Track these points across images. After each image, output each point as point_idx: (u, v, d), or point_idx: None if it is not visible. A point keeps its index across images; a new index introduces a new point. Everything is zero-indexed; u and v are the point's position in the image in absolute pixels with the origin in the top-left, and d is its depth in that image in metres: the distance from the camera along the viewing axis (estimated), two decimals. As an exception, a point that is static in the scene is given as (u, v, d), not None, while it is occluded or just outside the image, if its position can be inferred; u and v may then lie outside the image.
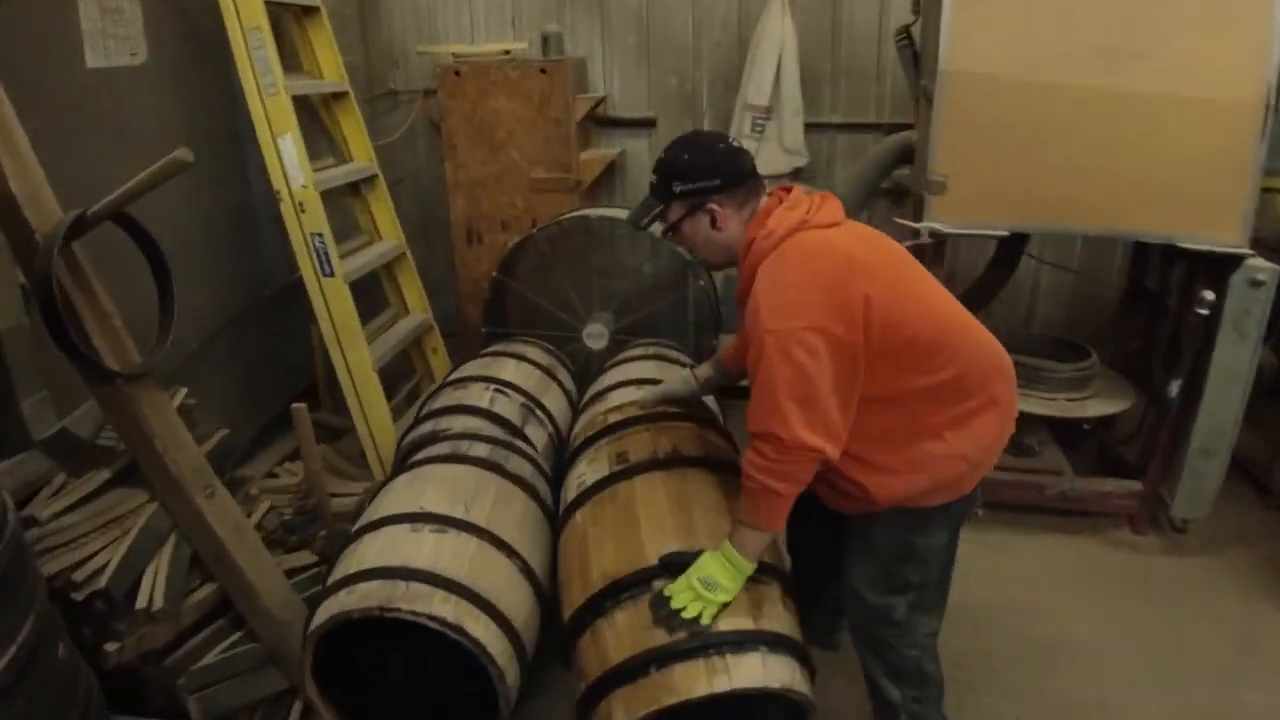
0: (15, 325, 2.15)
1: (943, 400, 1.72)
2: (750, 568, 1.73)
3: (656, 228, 1.91)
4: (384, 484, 2.40)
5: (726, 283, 3.64)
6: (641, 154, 4.42)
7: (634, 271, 3.53)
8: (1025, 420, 2.99)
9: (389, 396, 3.53)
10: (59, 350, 1.77)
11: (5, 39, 2.23)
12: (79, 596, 1.81)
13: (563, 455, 2.99)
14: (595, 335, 3.63)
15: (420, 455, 2.51)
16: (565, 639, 1.90)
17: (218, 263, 3.20)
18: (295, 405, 2.71)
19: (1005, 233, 2.63)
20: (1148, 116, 2.44)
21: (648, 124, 4.34)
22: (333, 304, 2.95)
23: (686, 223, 1.85)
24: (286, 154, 2.77)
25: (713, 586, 1.70)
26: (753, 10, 3.99)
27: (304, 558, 2.48)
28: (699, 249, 1.91)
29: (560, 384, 3.26)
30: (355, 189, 3.42)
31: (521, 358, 3.24)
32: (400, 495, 2.19)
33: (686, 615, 1.67)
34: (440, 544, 1.97)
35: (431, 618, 1.79)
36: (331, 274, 2.91)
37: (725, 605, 1.70)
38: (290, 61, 3.24)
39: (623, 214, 3.26)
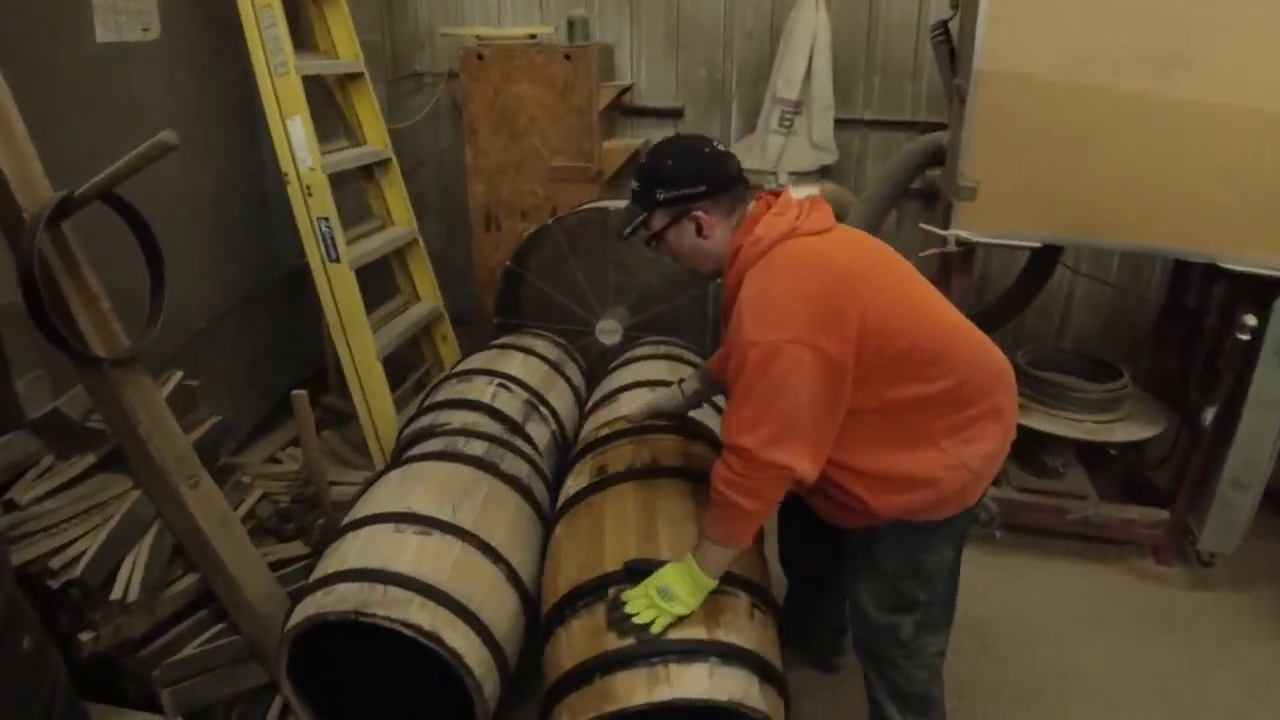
0: (10, 303, 2.12)
1: (940, 409, 1.65)
2: (711, 583, 1.69)
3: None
4: (378, 476, 2.35)
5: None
6: (667, 145, 4.29)
7: (652, 266, 3.43)
8: (1050, 440, 2.88)
9: (399, 384, 3.49)
10: (38, 332, 1.73)
11: (11, 11, 2.20)
12: (55, 584, 1.78)
13: (566, 454, 2.93)
14: (609, 331, 3.54)
15: (415, 450, 2.45)
16: (540, 649, 1.89)
17: (228, 243, 3.17)
18: (295, 392, 2.67)
19: (1036, 244, 2.50)
20: (1195, 127, 2.29)
21: (674, 114, 4.23)
22: (338, 290, 2.90)
23: (671, 231, 1.78)
24: (295, 136, 2.71)
25: (669, 597, 1.66)
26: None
27: (295, 549, 2.44)
28: (685, 258, 1.83)
29: (568, 380, 3.19)
30: (368, 172, 3.36)
31: (529, 351, 3.17)
32: (388, 493, 2.14)
33: (638, 621, 1.65)
34: (423, 547, 1.91)
35: (407, 625, 1.73)
36: (337, 260, 2.86)
37: (681, 618, 1.66)
38: (305, 40, 3.19)
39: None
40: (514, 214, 4.02)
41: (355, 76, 3.21)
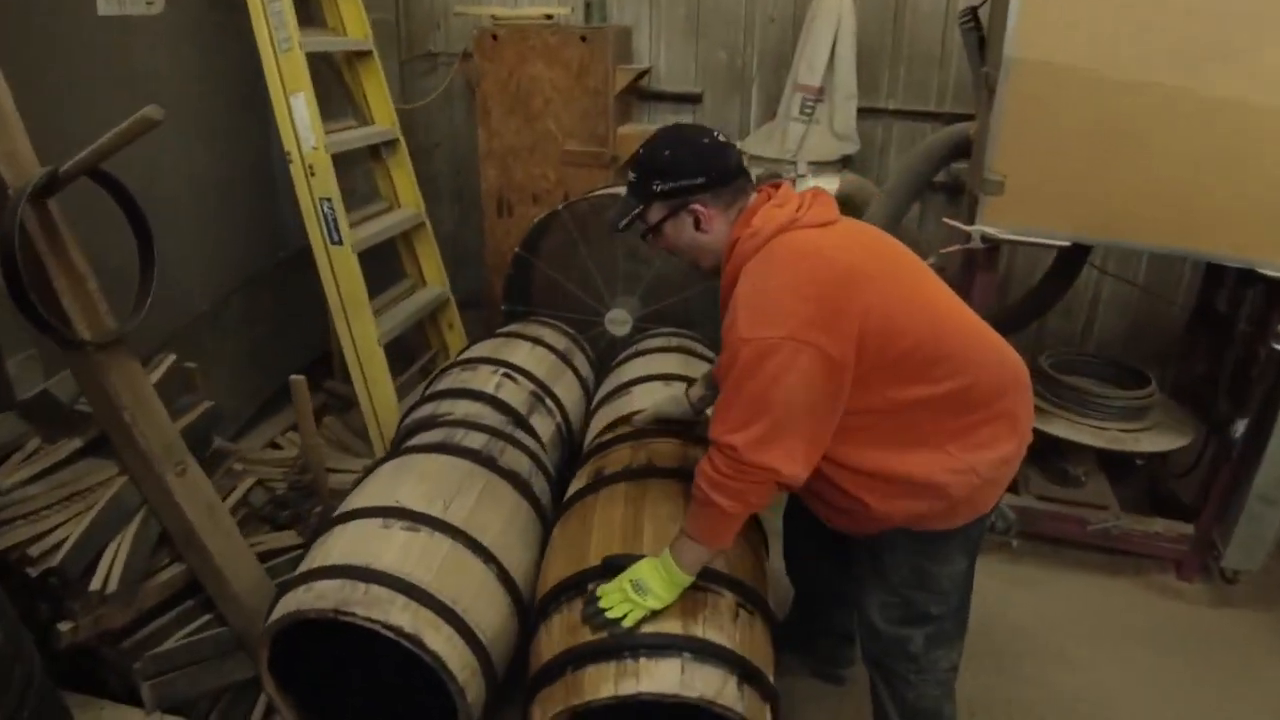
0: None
1: (947, 412, 1.57)
2: (686, 579, 1.66)
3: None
4: (375, 466, 2.29)
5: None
6: (685, 131, 4.19)
7: (664, 255, 3.32)
8: (1072, 448, 2.77)
9: (405, 369, 3.43)
10: (18, 313, 1.67)
11: (8, -19, 2.14)
12: (33, 572, 1.74)
13: (571, 448, 2.86)
14: (618, 321, 3.47)
15: (413, 441, 2.39)
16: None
17: (232, 223, 3.12)
18: (294, 377, 2.61)
19: (1065, 243, 2.38)
20: (1234, 126, 2.16)
21: (693, 99, 4.12)
22: (340, 274, 2.84)
23: (668, 224, 1.70)
24: (298, 114, 2.65)
25: (643, 591, 1.64)
26: (811, -17, 3.73)
27: (288, 538, 2.39)
28: (684, 253, 1.75)
29: (575, 371, 3.11)
30: (376, 153, 3.29)
31: (537, 340, 3.10)
32: (379, 486, 2.08)
33: (611, 615, 1.63)
34: (409, 544, 1.85)
35: (387, 626, 1.67)
36: (339, 242, 2.79)
37: (655, 612, 1.63)
38: (315, 17, 3.11)
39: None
40: (526, 198, 3.94)
41: (364, 54, 3.13)
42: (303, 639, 1.82)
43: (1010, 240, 2.38)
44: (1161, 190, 2.28)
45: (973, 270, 2.59)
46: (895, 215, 2.87)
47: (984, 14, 2.77)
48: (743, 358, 1.48)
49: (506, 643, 1.93)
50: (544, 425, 2.73)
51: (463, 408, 2.60)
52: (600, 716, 1.63)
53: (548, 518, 2.32)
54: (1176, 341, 3.56)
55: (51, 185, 1.74)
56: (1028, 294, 3.21)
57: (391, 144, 3.28)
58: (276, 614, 1.75)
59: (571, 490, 2.21)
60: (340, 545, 1.84)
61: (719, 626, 1.68)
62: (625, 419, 2.51)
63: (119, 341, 1.85)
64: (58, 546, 1.76)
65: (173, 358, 2.25)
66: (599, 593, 1.68)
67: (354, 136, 3.04)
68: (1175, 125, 2.21)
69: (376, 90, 3.20)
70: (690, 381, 2.27)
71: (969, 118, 3.08)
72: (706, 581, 1.73)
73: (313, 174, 2.72)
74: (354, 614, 1.67)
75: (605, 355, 3.34)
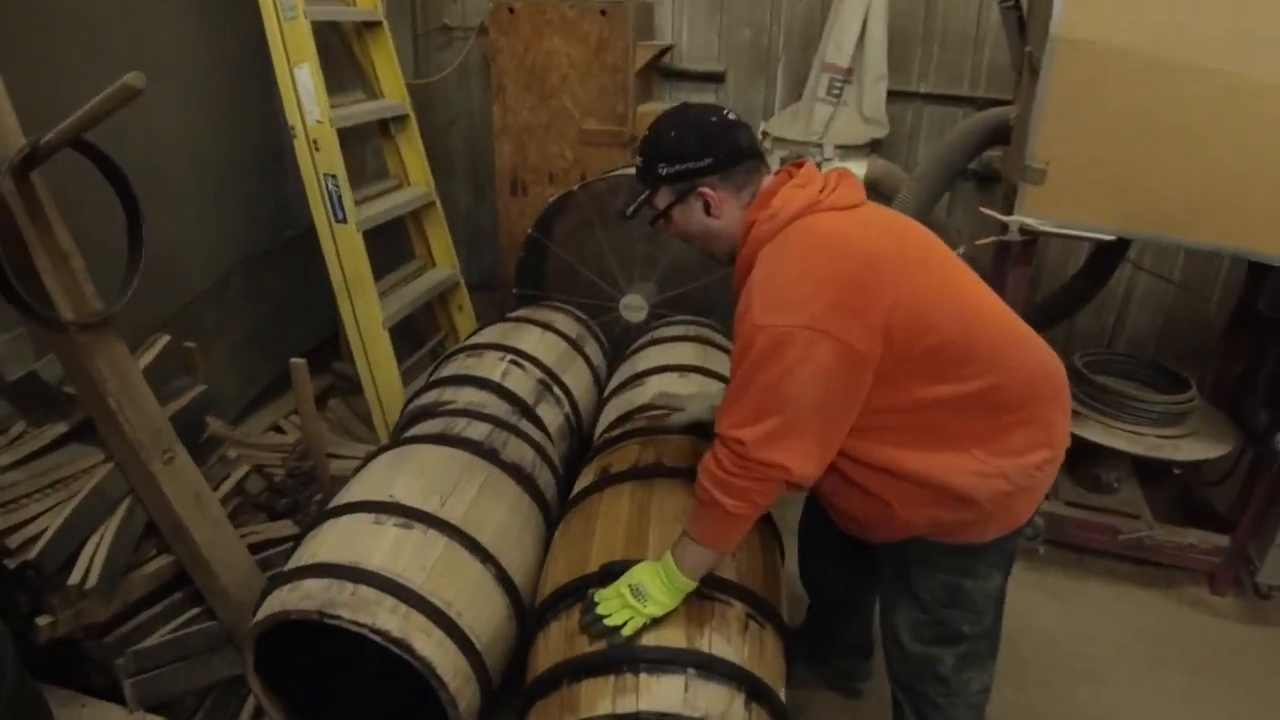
0: (-13, 257, 1.99)
1: (974, 413, 1.45)
2: (689, 584, 1.56)
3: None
4: (373, 456, 2.20)
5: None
6: (707, 112, 4.05)
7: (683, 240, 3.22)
8: (1105, 454, 2.63)
9: (415, 352, 3.34)
10: (-2, 292, 1.59)
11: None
12: (11, 564, 1.66)
13: (579, 440, 2.76)
14: (634, 307, 3.36)
15: (412, 431, 2.30)
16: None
17: (237, 199, 3.03)
18: (294, 360, 2.53)
19: (1109, 237, 2.23)
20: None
21: (715, 79, 3.98)
22: (344, 253, 2.74)
23: (677, 210, 1.59)
24: (303, 85, 2.54)
25: (642, 596, 1.55)
26: (842, -42, 3.56)
27: (285, 528, 2.31)
28: (695, 239, 1.64)
29: (587, 359, 3.01)
30: (385, 129, 3.18)
31: (548, 326, 3.00)
32: (374, 478, 1.99)
33: (610, 623, 1.54)
34: (401, 542, 1.76)
35: (375, 630, 1.58)
36: (344, 220, 2.70)
37: (655, 619, 1.55)
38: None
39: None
40: (541, 178, 3.83)
41: (373, 25, 3.02)
42: (291, 637, 1.74)
43: (1051, 233, 2.24)
44: (1213, 184, 2.12)
45: (1006, 263, 2.45)
46: (927, 203, 2.73)
47: (1027, -8, 2.62)
48: (756, 346, 1.37)
49: (503, 647, 1.84)
50: (551, 416, 2.63)
51: (466, 396, 2.51)
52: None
53: (552, 513, 2.22)
54: (1212, 342, 3.40)
55: (34, 158, 1.65)
56: (1060, 289, 3.06)
57: (401, 119, 3.17)
58: (262, 613, 1.67)
59: (577, 488, 2.11)
60: (329, 542, 1.76)
61: (726, 639, 1.58)
62: (639, 411, 2.40)
63: (105, 323, 1.76)
64: (36, 538, 1.68)
65: (166, 339, 2.16)
66: (596, 598, 1.60)
67: (361, 111, 2.93)
68: (1230, 115, 2.05)
69: (386, 63, 3.08)
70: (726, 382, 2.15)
71: (1004, 103, 2.93)
72: (714, 590, 1.63)
73: (317, 149, 2.62)
74: (340, 616, 1.58)
75: (619, 343, 3.23)
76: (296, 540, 2.20)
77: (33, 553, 1.64)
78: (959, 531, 1.51)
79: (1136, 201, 2.19)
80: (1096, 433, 2.58)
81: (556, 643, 1.64)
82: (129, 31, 2.45)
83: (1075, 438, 2.52)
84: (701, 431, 2.12)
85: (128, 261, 1.79)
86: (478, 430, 2.26)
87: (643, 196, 1.60)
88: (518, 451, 2.27)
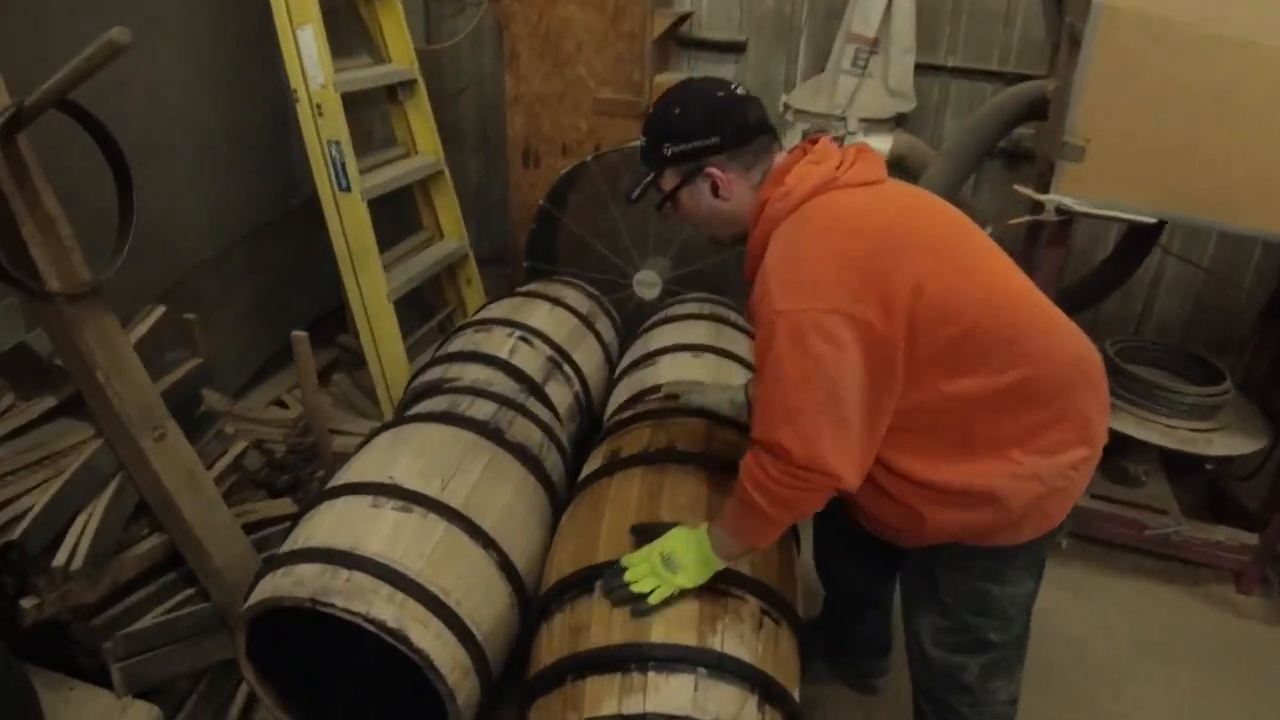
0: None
1: (1005, 409, 1.34)
2: (719, 564, 1.51)
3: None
4: (374, 434, 2.12)
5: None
6: (726, 82, 3.91)
7: (697, 217, 3.11)
8: (1134, 446, 2.53)
9: (421, 326, 3.26)
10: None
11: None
12: (-6, 543, 1.60)
13: (589, 420, 2.68)
14: (647, 283, 3.26)
15: (416, 408, 2.22)
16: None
17: (241, 166, 2.94)
18: (295, 333, 2.46)
19: (1150, 219, 2.11)
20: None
21: (736, 48, 3.84)
22: (348, 223, 2.65)
23: (684, 192, 1.49)
24: (305, 48, 2.43)
25: (673, 566, 1.49)
26: (871, -77, 3.40)
27: (285, 506, 2.24)
28: (703, 223, 1.54)
29: (598, 336, 2.92)
30: (393, 95, 3.07)
31: (558, 301, 2.90)
32: (374, 458, 1.91)
33: (636, 589, 1.48)
34: (400, 526, 1.68)
35: (369, 619, 1.51)
36: (348, 189, 2.60)
37: (681, 591, 1.49)
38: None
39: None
40: (554, 149, 3.71)
41: (382, -13, 2.91)
42: (286, 623, 1.68)
43: (1089, 214, 2.12)
44: (1257, 166, 2.00)
45: (1037, 245, 2.34)
46: (956, 180, 2.60)
47: (1067, -42, 2.47)
48: (779, 334, 1.28)
49: (505, 637, 1.77)
50: (560, 394, 2.55)
51: (472, 373, 2.42)
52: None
53: (559, 496, 2.15)
54: (1242, 330, 3.28)
55: (18, 120, 1.57)
56: (1090, 275, 2.94)
57: (409, 85, 3.05)
58: (254, 599, 1.61)
59: (585, 472, 2.03)
60: (325, 525, 1.69)
61: (740, 637, 1.50)
62: (650, 391, 2.32)
63: (94, 293, 1.68)
64: (21, 517, 1.61)
65: (161, 310, 2.08)
66: (625, 561, 1.53)
67: (367, 76, 2.82)
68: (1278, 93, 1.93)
69: (394, 26, 2.97)
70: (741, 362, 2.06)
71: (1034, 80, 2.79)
72: (728, 584, 1.55)
73: (320, 114, 2.51)
74: (333, 604, 1.52)
75: (632, 320, 3.14)
76: (294, 520, 2.15)
77: (15, 532, 1.57)
78: (991, 534, 1.42)
79: (1178, 181, 2.07)
80: (1128, 425, 2.48)
81: (561, 636, 1.57)
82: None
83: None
84: (715, 415, 2.04)
85: (118, 229, 1.71)
86: (483, 409, 2.18)
87: (648, 179, 1.50)
88: (524, 432, 2.19)
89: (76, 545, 1.64)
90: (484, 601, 1.71)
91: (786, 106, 3.38)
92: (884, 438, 1.35)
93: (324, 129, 2.53)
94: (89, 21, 2.20)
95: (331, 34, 2.55)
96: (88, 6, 2.23)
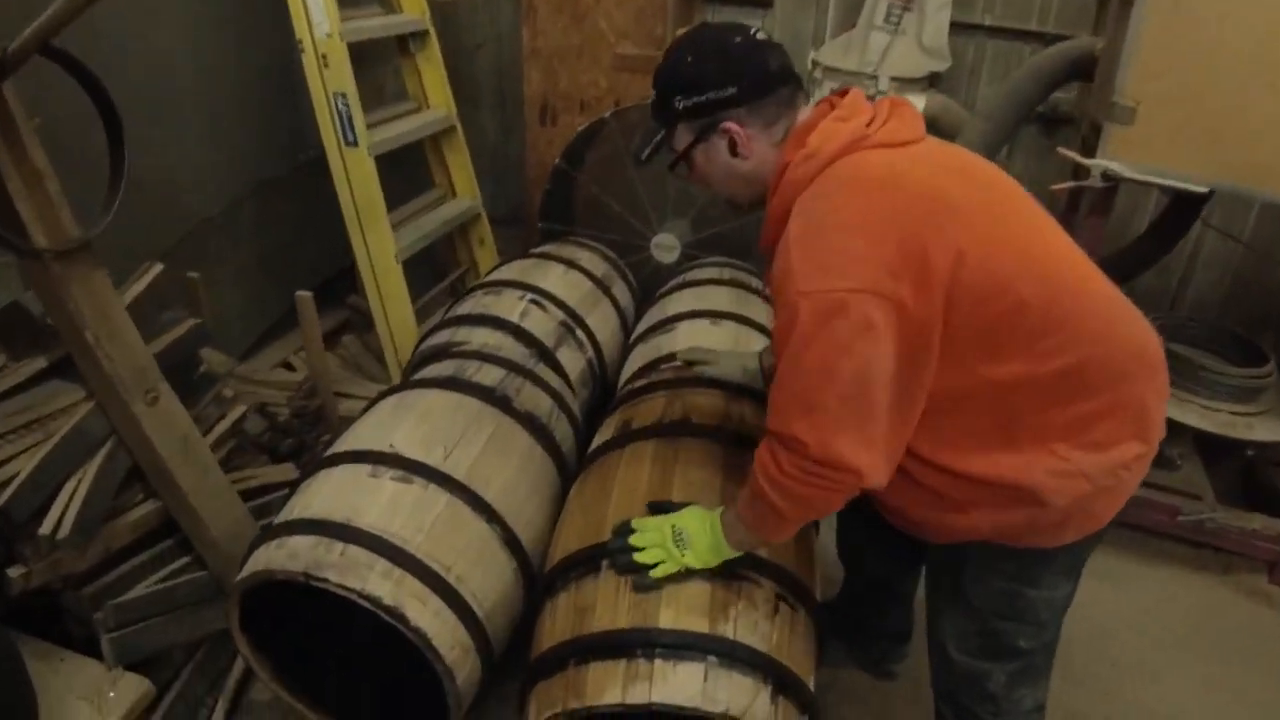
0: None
1: (1051, 397, 1.21)
2: (730, 553, 1.42)
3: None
4: (379, 399, 2.05)
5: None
6: (752, 38, 3.75)
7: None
8: (1170, 427, 2.41)
9: (434, 286, 3.18)
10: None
11: None
12: (-20, 507, 1.55)
13: (602, 388, 2.60)
14: (666, 246, 3.16)
15: (422, 373, 2.15)
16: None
17: (246, 120, 2.84)
18: (299, 293, 2.38)
19: (1202, 189, 1.97)
20: None
21: (763, 2, 3.67)
22: (354, 179, 2.56)
23: (699, 150, 1.36)
24: (311, -5, 2.32)
25: (683, 542, 1.42)
26: None
27: (285, 472, 2.19)
28: (720, 185, 1.41)
29: (614, 300, 2.83)
30: (404, 47, 2.95)
31: (572, 263, 2.81)
32: (375, 425, 1.84)
33: (641, 559, 1.42)
34: (399, 497, 1.61)
35: (363, 595, 1.45)
36: (354, 143, 2.50)
37: (688, 570, 1.42)
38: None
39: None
40: (572, 106, 3.58)
41: (393, -68, 2.78)
42: (281, 594, 1.62)
43: (1138, 179, 1.98)
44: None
45: (1077, 212, 2.21)
46: (995, 143, 2.45)
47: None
48: (802, 318, 1.15)
49: (508, 614, 1.71)
50: (572, 360, 2.47)
51: (480, 337, 2.34)
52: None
53: (569, 467, 2.07)
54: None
55: (1, 68, 1.48)
56: (1130, 245, 2.80)
57: (421, 36, 2.93)
58: (246, 570, 1.55)
59: (596, 443, 1.95)
60: (321, 495, 1.62)
61: (753, 624, 1.43)
62: (666, 359, 2.23)
63: (83, 250, 1.61)
64: (7, 483, 1.56)
65: (159, 268, 2.00)
66: (636, 524, 1.47)
67: (375, 25, 2.70)
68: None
69: (406, -26, 2.85)
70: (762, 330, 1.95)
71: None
72: (742, 567, 1.47)
73: (326, 65, 2.41)
74: (326, 579, 1.46)
75: (649, 284, 3.04)
76: (292, 488, 2.10)
77: (1, 499, 1.51)
78: (1028, 535, 1.30)
79: (1231, 148, 1.92)
80: (1169, 407, 2.36)
81: (565, 616, 1.50)
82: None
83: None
84: (730, 385, 1.94)
85: (109, 183, 1.63)
86: (490, 375, 2.10)
87: (659, 136, 1.37)
88: (533, 399, 2.11)
89: (64, 512, 1.58)
90: (486, 577, 1.65)
91: (815, 64, 3.23)
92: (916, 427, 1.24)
93: (330, 80, 2.43)
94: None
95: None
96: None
